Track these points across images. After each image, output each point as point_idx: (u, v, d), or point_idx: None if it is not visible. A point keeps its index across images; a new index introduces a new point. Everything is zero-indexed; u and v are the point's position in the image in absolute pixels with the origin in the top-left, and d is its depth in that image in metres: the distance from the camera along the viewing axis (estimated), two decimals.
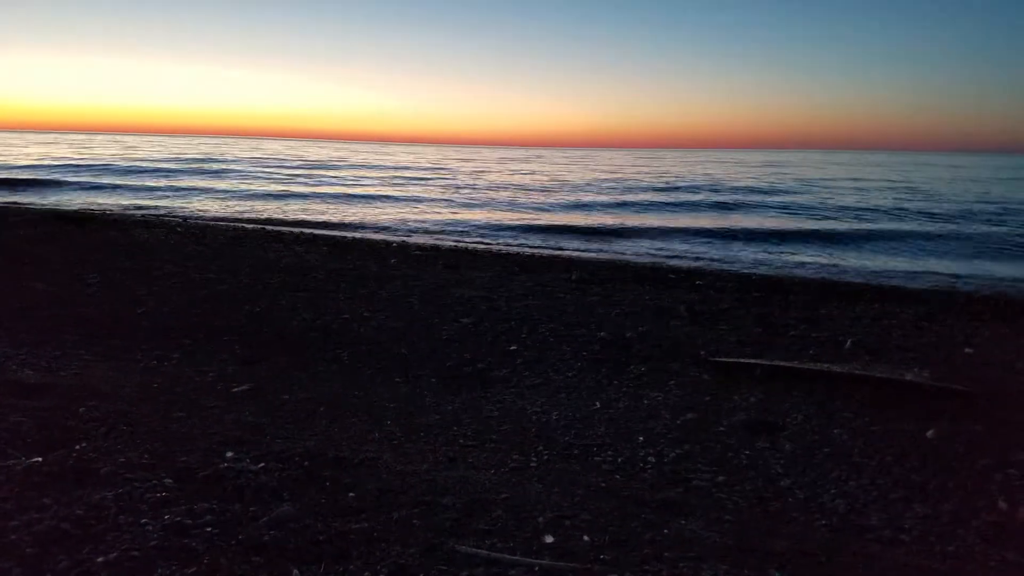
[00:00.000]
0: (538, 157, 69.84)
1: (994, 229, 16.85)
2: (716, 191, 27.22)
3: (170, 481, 2.96)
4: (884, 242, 15.03)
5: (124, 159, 38.42)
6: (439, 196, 24.75)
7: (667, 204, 22.93)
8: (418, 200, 23.23)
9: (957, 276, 11.07)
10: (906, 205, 22.51)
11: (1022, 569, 2.74)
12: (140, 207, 18.63)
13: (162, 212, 17.23)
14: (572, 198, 24.25)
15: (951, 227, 17.31)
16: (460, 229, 16.28)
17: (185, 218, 15.01)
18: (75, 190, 23.00)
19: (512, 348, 5.56)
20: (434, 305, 6.91)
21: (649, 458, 3.68)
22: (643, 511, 3.01)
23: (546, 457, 3.65)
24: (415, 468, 3.31)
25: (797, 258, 12.83)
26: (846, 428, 4.05)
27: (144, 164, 35.00)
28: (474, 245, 13.10)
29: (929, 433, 3.95)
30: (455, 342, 5.70)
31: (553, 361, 5.27)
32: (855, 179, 36.35)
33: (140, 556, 2.41)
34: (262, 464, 3.20)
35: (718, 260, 12.36)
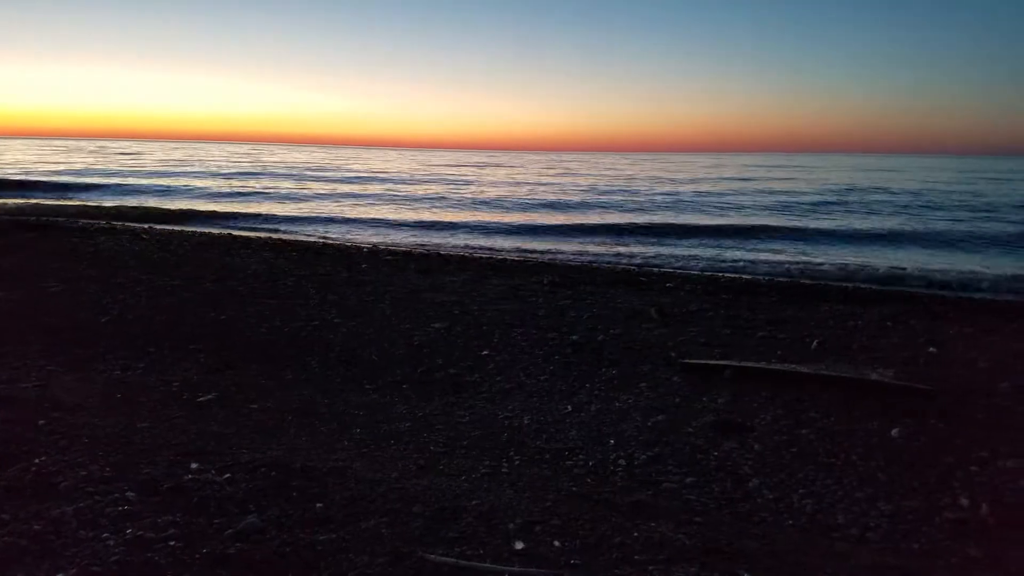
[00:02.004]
0: (508, 163, 68.80)
1: None
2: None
3: (133, 494, 2.91)
4: None
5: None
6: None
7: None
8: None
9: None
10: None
11: (985, 565, 2.78)
12: None
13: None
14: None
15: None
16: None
17: (150, 225, 14.78)
18: None
19: (484, 353, 5.55)
20: (406, 310, 6.88)
21: (620, 461, 3.68)
22: (613, 514, 3.02)
23: (517, 462, 3.64)
24: (385, 476, 3.28)
25: None
26: (813, 428, 4.09)
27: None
28: (447, 249, 13.06)
29: (894, 432, 4.00)
30: (427, 348, 5.67)
31: (525, 365, 5.27)
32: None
33: (101, 572, 2.36)
34: (228, 475, 3.15)
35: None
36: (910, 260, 12.80)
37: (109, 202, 21.66)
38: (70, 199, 22.53)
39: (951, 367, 5.23)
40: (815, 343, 5.87)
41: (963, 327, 6.61)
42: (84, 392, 4.32)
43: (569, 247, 14.25)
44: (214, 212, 19.48)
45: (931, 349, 5.75)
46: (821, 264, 11.93)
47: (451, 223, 18.02)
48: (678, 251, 13.66)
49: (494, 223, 17.95)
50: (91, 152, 56.34)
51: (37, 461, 3.18)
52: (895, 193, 27.98)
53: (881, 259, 12.86)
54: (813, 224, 17.93)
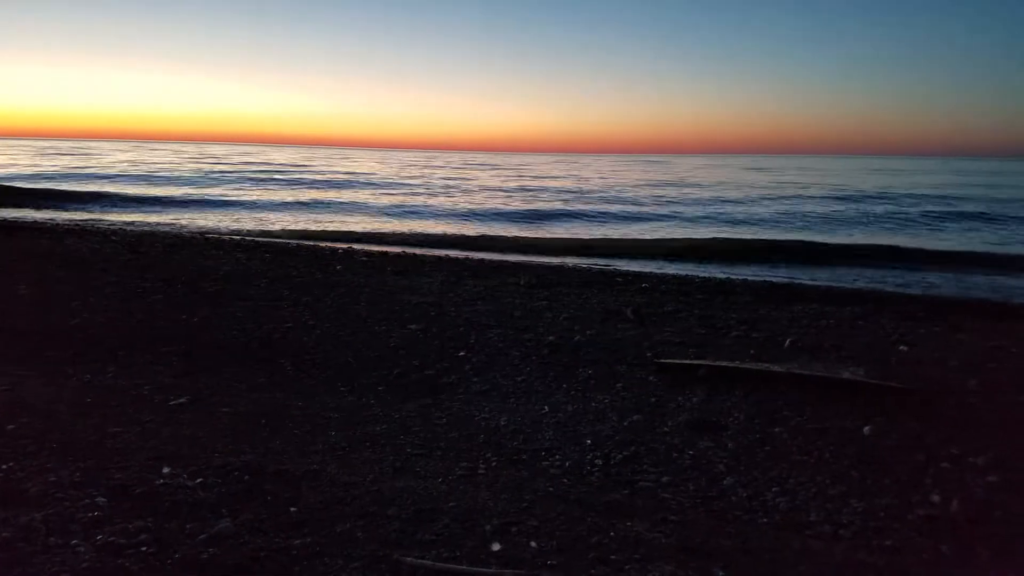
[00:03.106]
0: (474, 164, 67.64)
1: None
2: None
3: (103, 499, 2.87)
4: None
5: None
6: None
7: None
8: None
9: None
10: None
11: (955, 561, 2.82)
12: None
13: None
14: None
15: None
16: None
17: (120, 226, 14.58)
18: None
19: (461, 354, 5.53)
20: (381, 312, 6.84)
21: (596, 461, 3.69)
22: (589, 514, 3.02)
23: (494, 464, 3.63)
24: (360, 479, 3.26)
25: None
26: (786, 426, 4.13)
27: None
28: (422, 251, 13.02)
29: (866, 430, 4.05)
30: (403, 349, 5.64)
31: (502, 366, 5.26)
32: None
33: None
34: (200, 479, 3.12)
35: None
36: None
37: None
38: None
39: (922, 365, 5.31)
40: (788, 342, 5.93)
41: (933, 326, 6.72)
42: (53, 396, 4.25)
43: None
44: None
45: (902, 347, 5.83)
46: None
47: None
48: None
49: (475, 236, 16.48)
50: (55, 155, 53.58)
51: (5, 467, 3.12)
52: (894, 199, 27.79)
53: None
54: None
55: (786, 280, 10.48)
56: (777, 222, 21.02)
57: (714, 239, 16.24)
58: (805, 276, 11.38)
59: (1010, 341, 6.10)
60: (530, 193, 29.97)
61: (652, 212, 23.27)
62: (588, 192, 30.89)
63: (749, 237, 16.74)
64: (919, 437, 3.97)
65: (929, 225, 20.51)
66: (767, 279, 10.53)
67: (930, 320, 7.03)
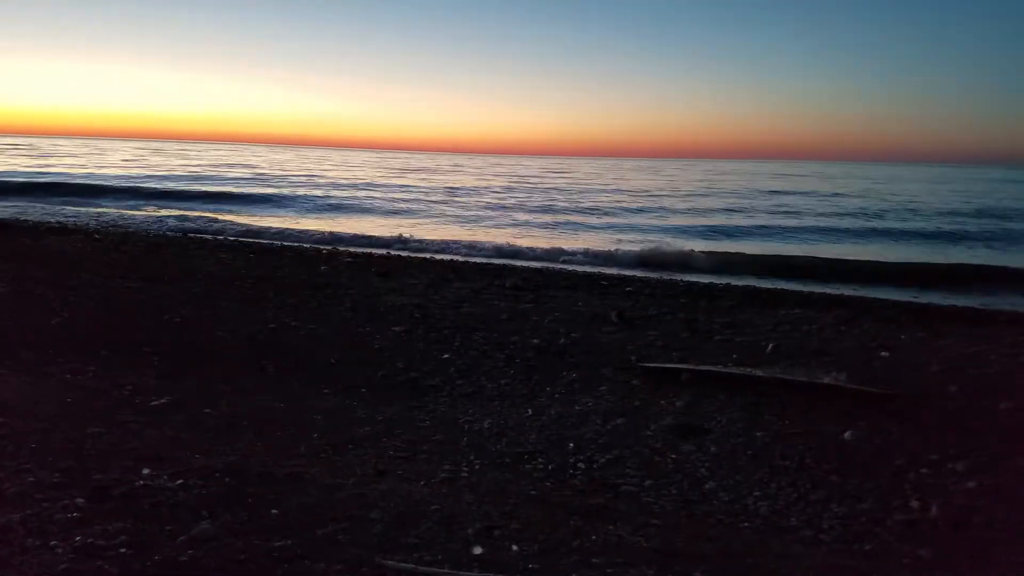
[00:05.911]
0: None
1: None
2: None
3: (82, 500, 2.84)
4: None
5: None
6: None
7: None
8: None
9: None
10: None
11: (934, 565, 2.85)
12: None
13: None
14: None
15: None
16: None
17: (103, 225, 14.46)
18: None
19: (445, 356, 5.53)
20: (366, 314, 6.82)
21: (579, 464, 3.70)
22: (572, 518, 3.03)
23: (478, 467, 3.63)
24: (343, 482, 3.25)
25: None
26: (768, 431, 4.15)
27: None
28: (408, 252, 12.99)
29: (847, 435, 4.08)
30: (387, 351, 5.63)
31: (486, 369, 5.26)
32: None
33: None
34: (181, 481, 3.09)
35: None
36: None
37: None
38: None
39: (903, 370, 5.35)
40: (771, 346, 5.96)
41: (915, 332, 6.76)
42: (33, 396, 4.20)
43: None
44: None
45: (883, 353, 5.87)
46: None
47: None
48: None
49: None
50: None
51: None
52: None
53: None
54: None
55: (771, 285, 10.52)
56: None
57: None
58: None
59: (990, 347, 6.16)
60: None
61: None
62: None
63: None
64: (899, 442, 4.01)
65: None
66: (750, 283, 10.58)
67: (912, 325, 7.08)
